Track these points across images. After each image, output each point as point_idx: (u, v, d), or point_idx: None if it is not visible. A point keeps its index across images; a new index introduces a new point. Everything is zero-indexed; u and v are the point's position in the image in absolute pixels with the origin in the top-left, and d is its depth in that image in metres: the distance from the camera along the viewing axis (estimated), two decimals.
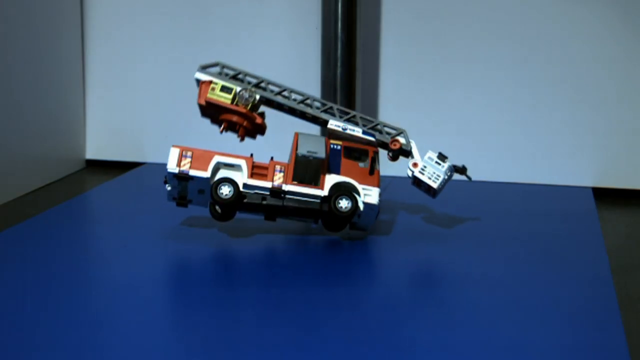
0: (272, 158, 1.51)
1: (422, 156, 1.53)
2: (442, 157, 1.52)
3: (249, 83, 1.55)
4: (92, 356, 1.11)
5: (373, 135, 1.52)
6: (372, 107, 2.02)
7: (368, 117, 1.55)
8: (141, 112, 2.14)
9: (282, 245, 1.51)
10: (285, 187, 1.46)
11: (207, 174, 1.46)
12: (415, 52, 2.00)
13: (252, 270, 1.41)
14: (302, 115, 1.56)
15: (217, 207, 1.51)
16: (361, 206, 1.48)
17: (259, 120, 1.54)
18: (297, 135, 1.50)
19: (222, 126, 1.55)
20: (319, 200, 1.47)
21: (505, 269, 1.44)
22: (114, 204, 1.82)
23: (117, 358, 1.11)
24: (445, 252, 1.52)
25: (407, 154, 1.53)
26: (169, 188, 1.49)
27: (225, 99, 1.53)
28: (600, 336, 1.19)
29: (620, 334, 1.18)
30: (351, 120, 1.54)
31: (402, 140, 1.53)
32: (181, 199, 1.50)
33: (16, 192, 1.87)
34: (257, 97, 1.53)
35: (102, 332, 1.18)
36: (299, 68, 2.03)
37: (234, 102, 1.53)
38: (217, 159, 1.48)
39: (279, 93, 1.55)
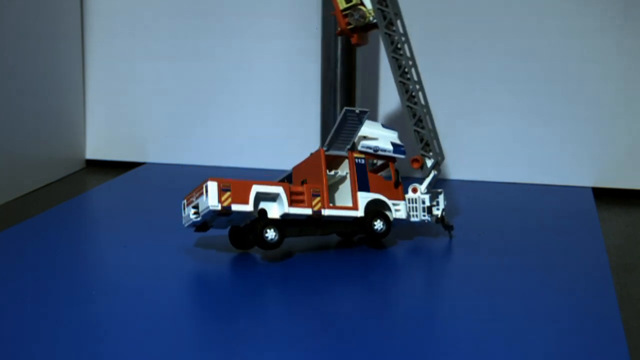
0: (305, 182, 1.46)
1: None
2: (430, 210, 1.53)
3: (384, 4, 1.50)
4: (91, 356, 1.11)
5: (404, 152, 1.52)
6: (372, 107, 2.02)
7: (432, 124, 1.54)
8: (141, 112, 2.14)
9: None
10: (325, 212, 1.43)
11: (249, 207, 1.38)
12: (414, 52, 2.00)
13: (254, 272, 1.41)
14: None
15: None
16: (393, 222, 1.49)
17: (354, 40, 1.53)
18: (322, 151, 1.47)
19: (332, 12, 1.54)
20: (351, 221, 1.46)
21: (505, 268, 1.44)
22: (114, 204, 1.82)
23: (116, 358, 1.11)
24: (444, 252, 1.52)
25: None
26: (195, 218, 1.40)
27: (340, 2, 1.50)
28: (600, 336, 1.19)
29: (620, 334, 1.18)
30: (418, 120, 1.52)
31: (426, 163, 1.52)
32: (203, 226, 1.44)
33: (16, 192, 1.87)
34: (370, 20, 1.50)
35: (102, 332, 1.18)
36: (299, 68, 2.03)
37: (344, 12, 1.50)
38: (256, 189, 1.39)
39: (389, 34, 1.51)
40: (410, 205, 1.52)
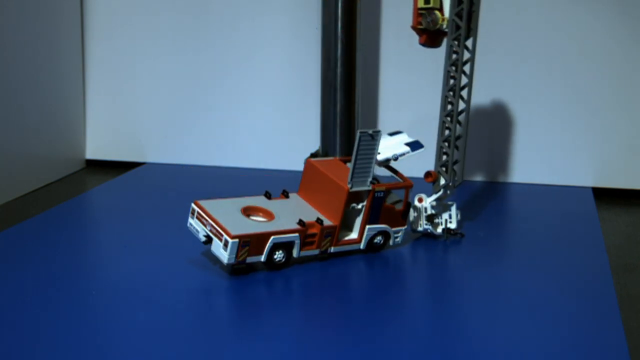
0: (320, 221, 1.43)
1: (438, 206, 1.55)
2: (431, 218, 1.54)
3: (460, 17, 1.48)
4: (91, 356, 1.11)
5: (422, 145, 1.53)
6: (372, 107, 2.03)
7: (464, 147, 1.54)
8: (141, 112, 2.14)
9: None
10: (331, 250, 1.45)
11: (262, 258, 1.38)
12: (415, 52, 1.99)
13: (255, 272, 1.41)
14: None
15: None
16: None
17: (421, 40, 1.53)
18: (347, 190, 1.43)
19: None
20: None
21: (505, 268, 1.44)
22: (114, 204, 1.82)
23: (116, 358, 1.11)
24: (444, 252, 1.52)
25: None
26: (203, 243, 1.39)
27: (420, 0, 1.50)
28: (600, 336, 1.19)
29: (620, 334, 1.18)
30: (448, 138, 1.52)
31: (440, 180, 1.53)
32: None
33: (16, 192, 1.87)
34: (442, 27, 1.49)
35: (102, 332, 1.18)
36: (299, 68, 2.03)
37: (420, 12, 1.50)
38: (273, 240, 1.38)
39: (454, 48, 1.50)
40: (415, 214, 1.54)
